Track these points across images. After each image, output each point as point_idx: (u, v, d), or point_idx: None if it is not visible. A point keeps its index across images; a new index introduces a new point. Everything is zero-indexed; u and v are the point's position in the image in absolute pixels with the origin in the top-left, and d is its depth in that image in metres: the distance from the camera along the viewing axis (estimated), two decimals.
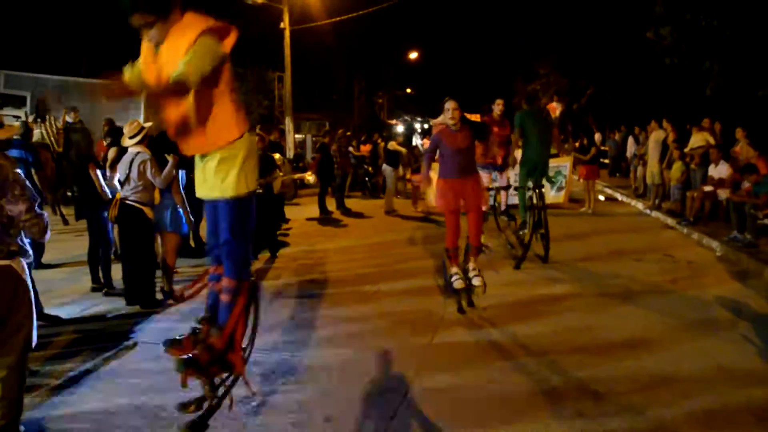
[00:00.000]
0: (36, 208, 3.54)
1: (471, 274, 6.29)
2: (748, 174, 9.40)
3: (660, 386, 4.45)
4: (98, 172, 7.24)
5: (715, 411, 4.08)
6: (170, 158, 6.56)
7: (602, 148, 21.24)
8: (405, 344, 5.39)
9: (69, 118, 13.40)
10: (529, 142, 8.51)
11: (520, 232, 8.60)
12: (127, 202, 6.43)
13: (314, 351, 5.30)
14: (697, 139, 12.05)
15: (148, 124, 6.80)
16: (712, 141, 11.77)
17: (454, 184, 6.34)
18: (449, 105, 6.21)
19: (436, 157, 6.57)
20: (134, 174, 6.37)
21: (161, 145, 6.85)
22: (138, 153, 6.43)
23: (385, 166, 14.62)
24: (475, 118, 18.70)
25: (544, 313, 6.21)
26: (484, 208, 9.21)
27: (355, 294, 7.10)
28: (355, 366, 4.94)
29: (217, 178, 3.46)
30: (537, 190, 8.27)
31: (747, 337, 5.48)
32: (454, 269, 6.38)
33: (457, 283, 6.29)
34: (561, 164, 12.99)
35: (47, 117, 12.82)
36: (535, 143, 8.46)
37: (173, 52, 3.20)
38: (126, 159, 6.48)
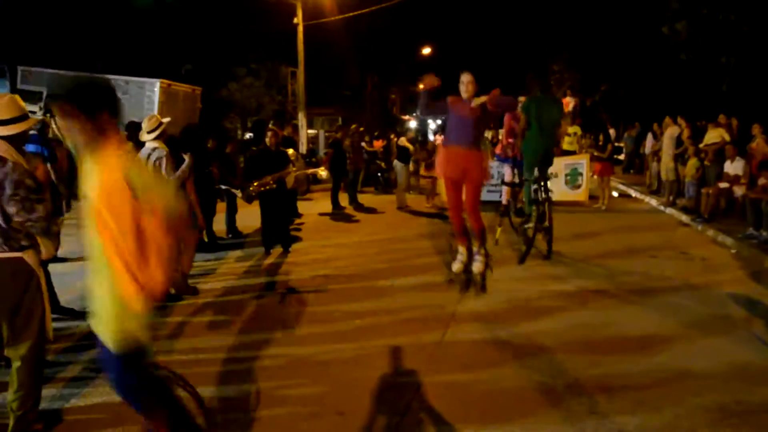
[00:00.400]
0: (31, 210, 3.52)
1: (475, 258, 6.01)
2: (765, 170, 9.31)
3: (674, 383, 4.44)
4: None
5: (730, 408, 4.06)
6: (186, 157, 6.59)
7: (617, 144, 21.09)
8: (417, 340, 5.40)
9: None
10: (531, 130, 8.32)
11: (525, 226, 8.53)
12: None
13: (327, 346, 5.31)
14: (713, 136, 11.94)
15: (167, 120, 6.83)
16: (727, 137, 11.67)
17: (457, 153, 5.87)
18: (465, 78, 5.83)
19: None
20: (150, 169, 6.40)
21: (179, 143, 6.90)
22: (155, 149, 6.45)
23: (395, 162, 14.63)
24: None
25: (557, 310, 6.19)
26: (505, 197, 8.90)
27: (367, 289, 7.12)
28: (367, 361, 4.96)
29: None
30: (542, 184, 8.20)
31: (761, 335, 5.44)
32: (460, 248, 6.11)
33: (456, 266, 6.11)
34: (578, 161, 12.97)
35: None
36: (536, 132, 8.26)
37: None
38: (143, 153, 6.51)
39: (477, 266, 5.98)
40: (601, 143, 14.49)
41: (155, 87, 14.82)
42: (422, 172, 15.27)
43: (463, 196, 5.98)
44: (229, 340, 5.49)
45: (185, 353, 5.18)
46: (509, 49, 40.39)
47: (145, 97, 14.88)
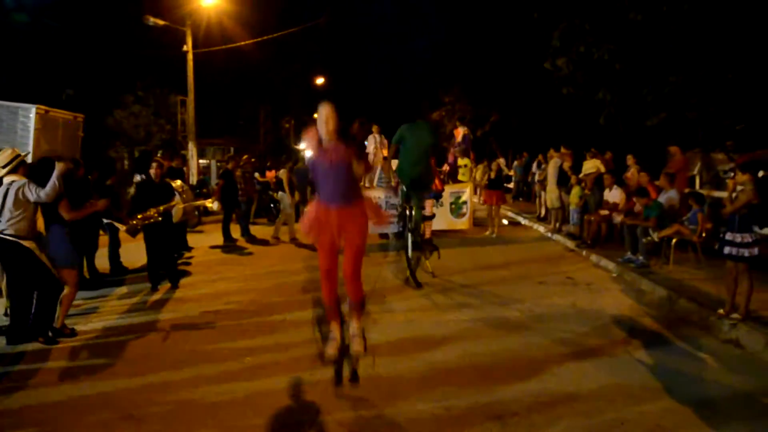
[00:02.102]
0: None
1: (353, 337, 5.18)
2: (640, 197, 9.92)
3: (563, 407, 4.54)
4: None
5: (614, 427, 4.21)
6: (58, 165, 6.10)
7: (507, 173, 21.97)
8: (311, 376, 5.25)
9: None
10: (404, 156, 8.38)
11: (409, 253, 8.62)
12: (3, 236, 5.97)
13: (217, 386, 5.06)
14: (589, 166, 12.64)
15: (25, 154, 6.43)
16: (602, 168, 12.37)
17: (330, 212, 5.00)
18: (324, 111, 4.89)
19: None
20: (9, 204, 5.93)
21: (43, 170, 6.40)
22: (12, 182, 6.02)
23: (281, 194, 14.18)
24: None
25: (450, 339, 6.22)
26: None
27: (259, 324, 6.90)
28: (260, 400, 4.77)
29: None
30: (414, 209, 8.31)
31: (640, 355, 5.72)
32: (332, 327, 5.28)
33: (330, 350, 5.15)
34: (462, 190, 13.28)
35: None
36: (408, 157, 8.32)
37: None
38: (1, 190, 6.04)
39: (356, 347, 5.12)
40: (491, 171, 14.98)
41: (30, 113, 13.79)
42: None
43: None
44: (110, 386, 5.13)
45: (60, 401, 4.79)
46: (402, 80, 41.42)
47: (19, 123, 13.82)
